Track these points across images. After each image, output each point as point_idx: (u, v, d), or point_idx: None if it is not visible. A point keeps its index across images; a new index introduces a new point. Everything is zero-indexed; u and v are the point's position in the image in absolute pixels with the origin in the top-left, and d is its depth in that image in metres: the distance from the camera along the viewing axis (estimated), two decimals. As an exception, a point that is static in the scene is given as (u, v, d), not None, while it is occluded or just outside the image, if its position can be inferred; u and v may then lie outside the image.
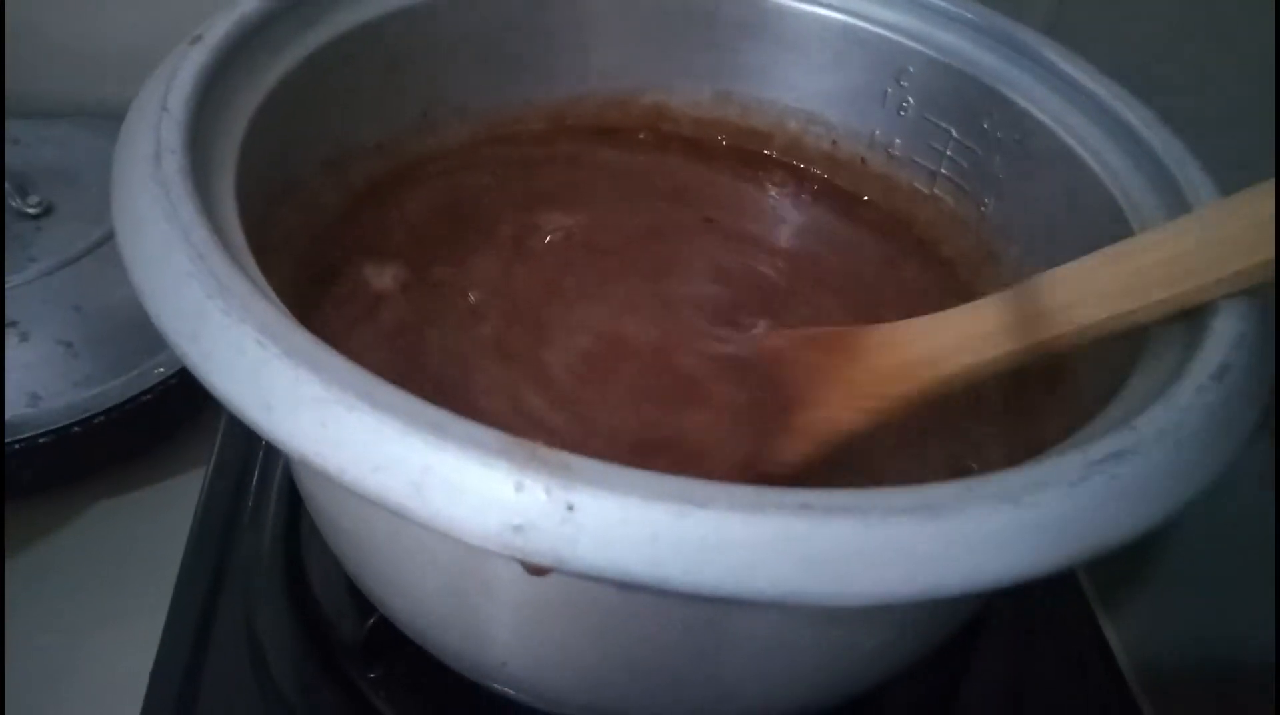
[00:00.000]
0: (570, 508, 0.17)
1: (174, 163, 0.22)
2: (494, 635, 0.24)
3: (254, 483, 0.37)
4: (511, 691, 0.27)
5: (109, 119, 0.53)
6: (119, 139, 0.24)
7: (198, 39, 0.26)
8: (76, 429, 0.42)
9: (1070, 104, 0.32)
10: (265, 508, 0.36)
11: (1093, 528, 0.19)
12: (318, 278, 0.31)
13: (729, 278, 0.34)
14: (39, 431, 0.41)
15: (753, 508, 0.17)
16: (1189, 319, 0.24)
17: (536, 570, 0.17)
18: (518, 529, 0.17)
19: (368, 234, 0.33)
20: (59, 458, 0.42)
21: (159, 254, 0.20)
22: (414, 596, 0.25)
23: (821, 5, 0.36)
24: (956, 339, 0.26)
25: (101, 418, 0.42)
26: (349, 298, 0.31)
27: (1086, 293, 0.25)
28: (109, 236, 0.46)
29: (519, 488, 0.17)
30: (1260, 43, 0.33)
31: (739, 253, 0.36)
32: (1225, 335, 0.22)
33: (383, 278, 0.32)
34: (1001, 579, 0.18)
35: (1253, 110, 0.34)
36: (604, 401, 0.29)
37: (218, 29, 0.27)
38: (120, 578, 0.43)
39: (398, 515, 0.17)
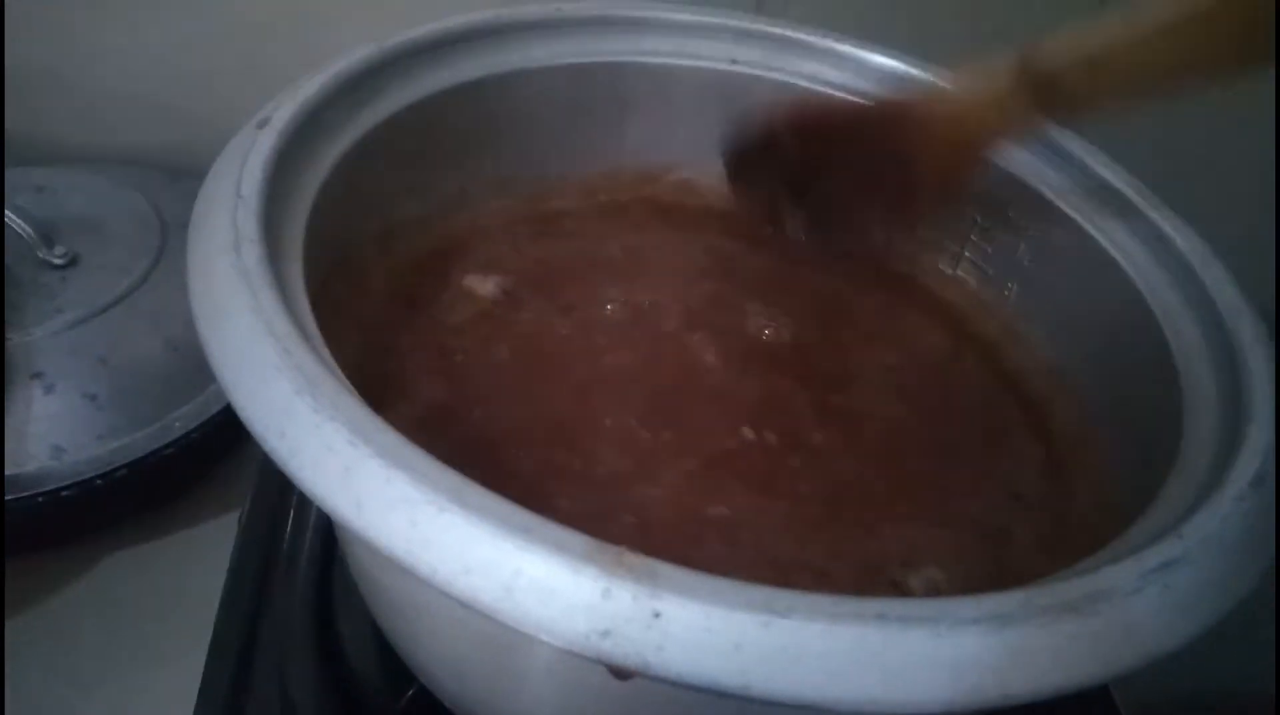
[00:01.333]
0: (656, 615, 0.18)
1: (253, 252, 0.23)
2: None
3: (285, 544, 0.37)
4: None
5: (131, 166, 0.54)
6: (193, 226, 0.24)
7: (265, 123, 0.27)
8: (99, 482, 0.42)
9: (1094, 198, 0.33)
10: (296, 570, 0.36)
11: (1150, 635, 0.19)
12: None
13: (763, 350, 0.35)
14: (62, 485, 0.41)
15: (832, 618, 0.18)
16: (1224, 429, 0.25)
17: (621, 674, 0.18)
18: (605, 634, 0.18)
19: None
20: (81, 510, 0.42)
21: (244, 347, 0.21)
22: (469, 677, 0.26)
23: (853, 94, 0.37)
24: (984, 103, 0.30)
25: (124, 471, 0.43)
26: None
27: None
28: (135, 287, 0.46)
29: (606, 594, 0.18)
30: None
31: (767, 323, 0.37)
32: (1260, 443, 0.23)
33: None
34: (1065, 686, 0.19)
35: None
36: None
37: (284, 112, 0.27)
38: (139, 631, 0.43)
39: (488, 617, 0.18)
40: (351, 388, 0.21)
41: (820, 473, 0.29)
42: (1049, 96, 0.28)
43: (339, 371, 0.22)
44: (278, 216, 0.25)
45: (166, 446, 0.44)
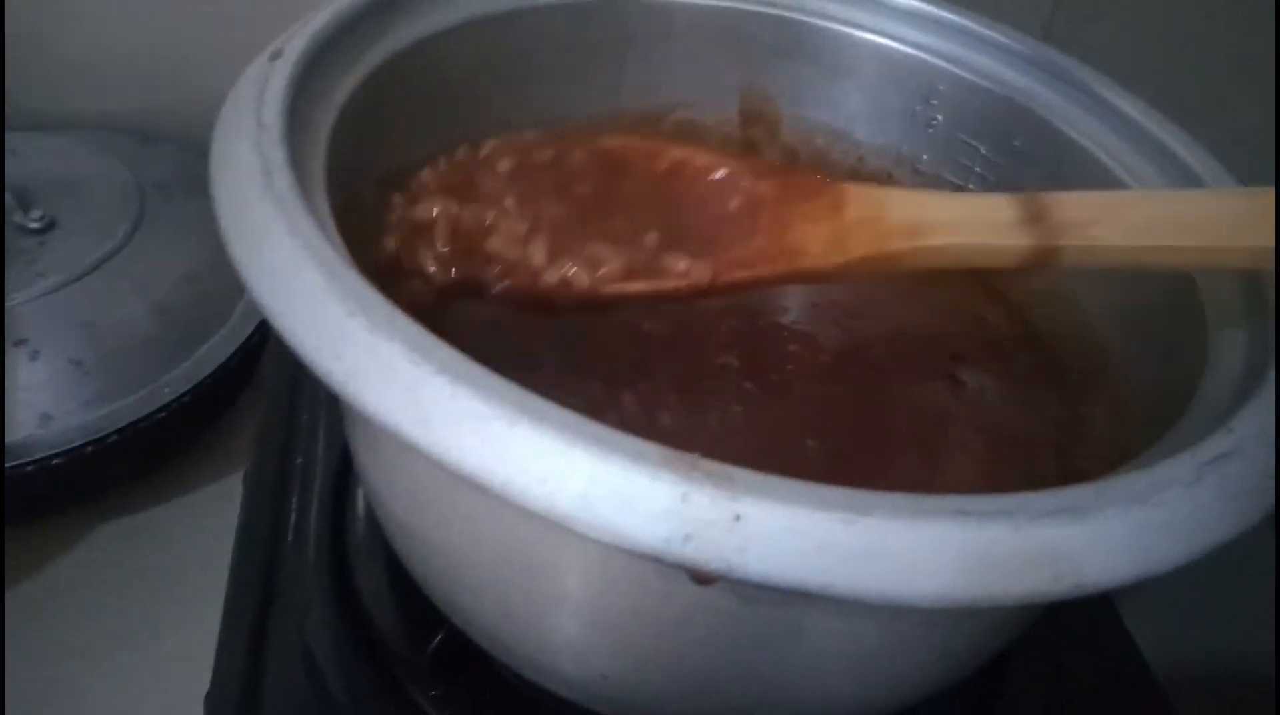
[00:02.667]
0: (737, 518, 0.18)
1: (284, 179, 0.22)
2: (600, 646, 0.24)
3: (293, 499, 0.36)
4: (600, 707, 0.27)
5: (108, 132, 0.53)
6: (215, 158, 0.24)
7: (278, 55, 0.26)
8: (90, 449, 0.41)
9: (1104, 124, 0.33)
10: (307, 524, 0.36)
11: (1209, 525, 0.20)
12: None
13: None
14: (52, 452, 0.40)
15: (913, 514, 0.18)
16: (1254, 327, 0.25)
17: (703, 578, 0.18)
18: (687, 538, 0.17)
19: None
20: (72, 478, 0.41)
21: (287, 273, 0.20)
22: (509, 608, 0.25)
23: (854, 26, 0.37)
24: (949, 217, 0.26)
25: (115, 437, 0.41)
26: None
27: (1104, 218, 0.25)
28: (117, 251, 0.45)
29: (685, 499, 0.18)
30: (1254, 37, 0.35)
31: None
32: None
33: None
34: (1136, 574, 0.19)
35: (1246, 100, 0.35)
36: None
37: (296, 44, 0.27)
38: (142, 599, 0.42)
39: (563, 526, 0.18)
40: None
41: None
42: (1043, 221, 0.26)
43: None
44: (298, 148, 0.25)
45: (158, 411, 0.43)
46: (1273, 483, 0.21)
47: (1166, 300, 0.28)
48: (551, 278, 0.28)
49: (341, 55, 0.28)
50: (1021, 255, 0.26)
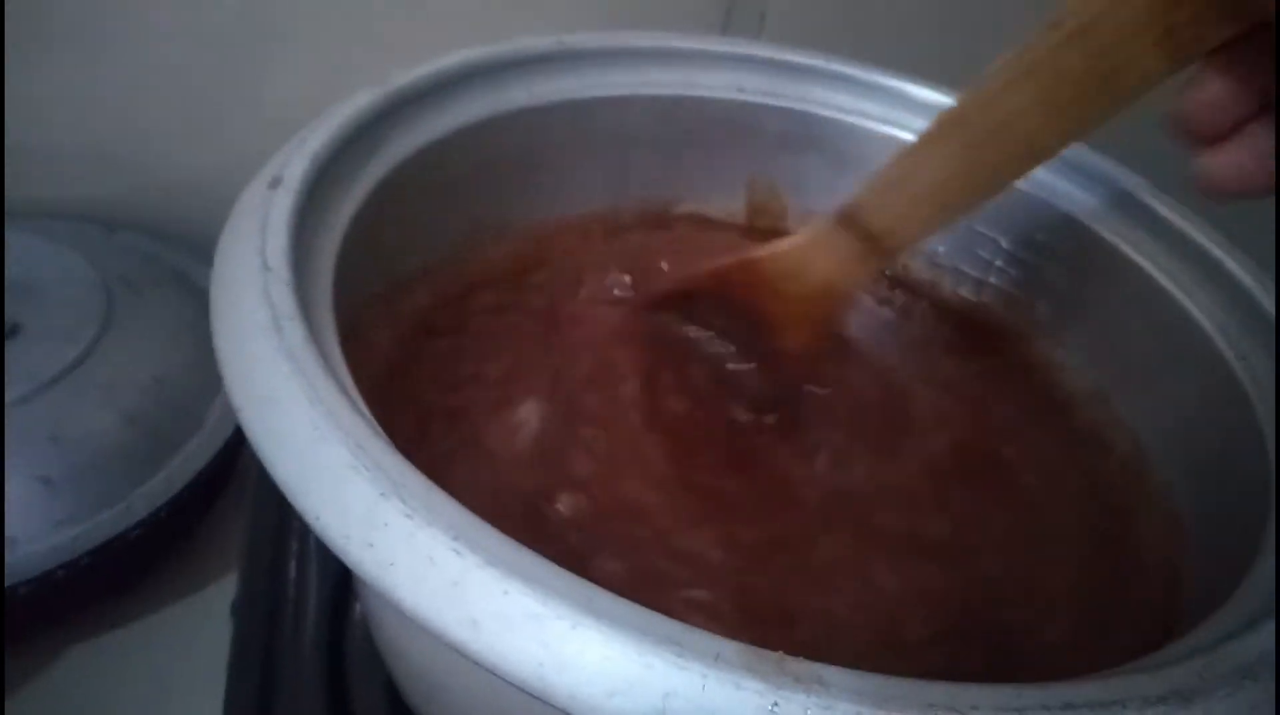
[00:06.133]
0: (833, 727, 0.16)
1: (297, 331, 0.20)
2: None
3: (288, 622, 0.34)
4: None
5: (62, 221, 0.50)
6: (216, 303, 0.22)
7: (278, 182, 0.24)
8: (61, 573, 0.38)
9: (1131, 220, 0.32)
10: (302, 646, 0.33)
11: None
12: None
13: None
14: (19, 581, 0.37)
15: (1019, 712, 0.16)
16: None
17: (795, 796, 0.16)
18: (778, 755, 0.16)
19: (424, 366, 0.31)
20: (42, 604, 0.38)
21: (308, 445, 0.18)
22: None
23: (863, 117, 0.36)
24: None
25: (87, 559, 0.39)
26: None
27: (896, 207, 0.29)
28: (84, 357, 0.42)
29: (775, 710, 0.16)
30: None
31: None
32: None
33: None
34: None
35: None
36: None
37: (295, 169, 0.25)
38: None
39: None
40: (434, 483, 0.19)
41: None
42: (873, 237, 0.29)
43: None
44: (306, 286, 0.23)
45: (132, 528, 0.40)
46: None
47: (1218, 415, 0.27)
48: None
49: (342, 175, 0.27)
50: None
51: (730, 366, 0.33)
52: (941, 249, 0.37)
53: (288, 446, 0.19)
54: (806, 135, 0.37)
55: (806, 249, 0.30)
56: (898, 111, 0.36)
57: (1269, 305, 0.28)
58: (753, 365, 0.33)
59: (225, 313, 0.21)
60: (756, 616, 0.26)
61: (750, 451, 0.31)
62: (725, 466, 0.30)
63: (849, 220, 0.29)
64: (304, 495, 0.18)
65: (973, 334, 0.36)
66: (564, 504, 0.27)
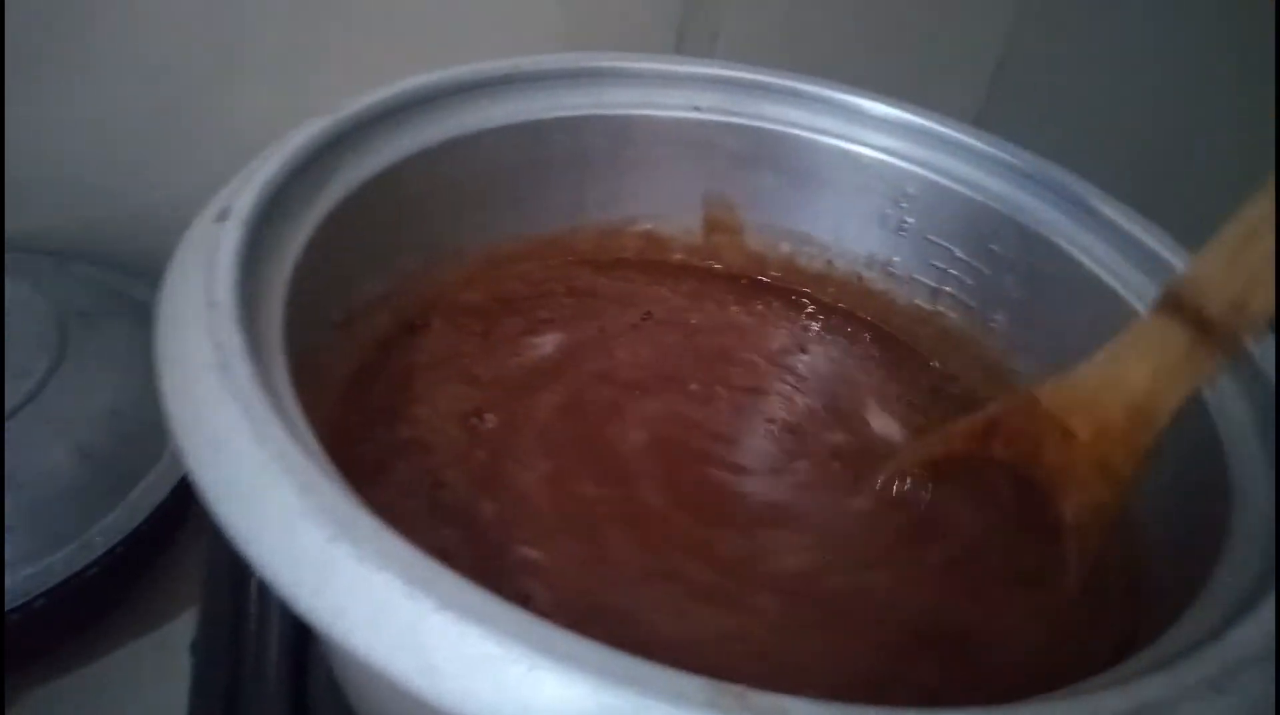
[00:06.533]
0: (797, 761, 0.16)
1: (243, 369, 0.20)
2: None
3: (249, 661, 0.33)
4: None
5: (20, 253, 0.49)
6: (158, 342, 0.21)
7: (225, 214, 0.24)
8: (15, 617, 0.37)
9: (1082, 226, 0.32)
10: (266, 687, 0.32)
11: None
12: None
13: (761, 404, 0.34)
14: (-29, 628, 0.36)
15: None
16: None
17: (761, 835, 0.16)
18: (741, 793, 0.15)
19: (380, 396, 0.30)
20: (-4, 651, 0.37)
21: (256, 489, 0.18)
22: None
23: (819, 132, 0.36)
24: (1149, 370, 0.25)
25: (42, 601, 0.38)
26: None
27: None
28: (36, 391, 0.42)
29: (737, 745, 0.15)
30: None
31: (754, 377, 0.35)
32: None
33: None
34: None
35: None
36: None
37: (244, 201, 0.24)
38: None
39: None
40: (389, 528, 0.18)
41: None
42: (1211, 322, 0.24)
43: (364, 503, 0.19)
44: (254, 321, 0.22)
45: (89, 567, 0.39)
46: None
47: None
48: None
49: (293, 204, 0.26)
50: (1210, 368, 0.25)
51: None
52: (898, 259, 0.37)
53: (234, 492, 0.18)
54: (761, 152, 0.36)
55: (1110, 362, 0.25)
56: (852, 126, 0.36)
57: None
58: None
59: (169, 352, 0.21)
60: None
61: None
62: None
63: (1173, 305, 0.24)
64: (252, 542, 0.17)
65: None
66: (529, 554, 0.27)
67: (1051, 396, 0.26)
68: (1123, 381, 0.25)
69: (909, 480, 0.29)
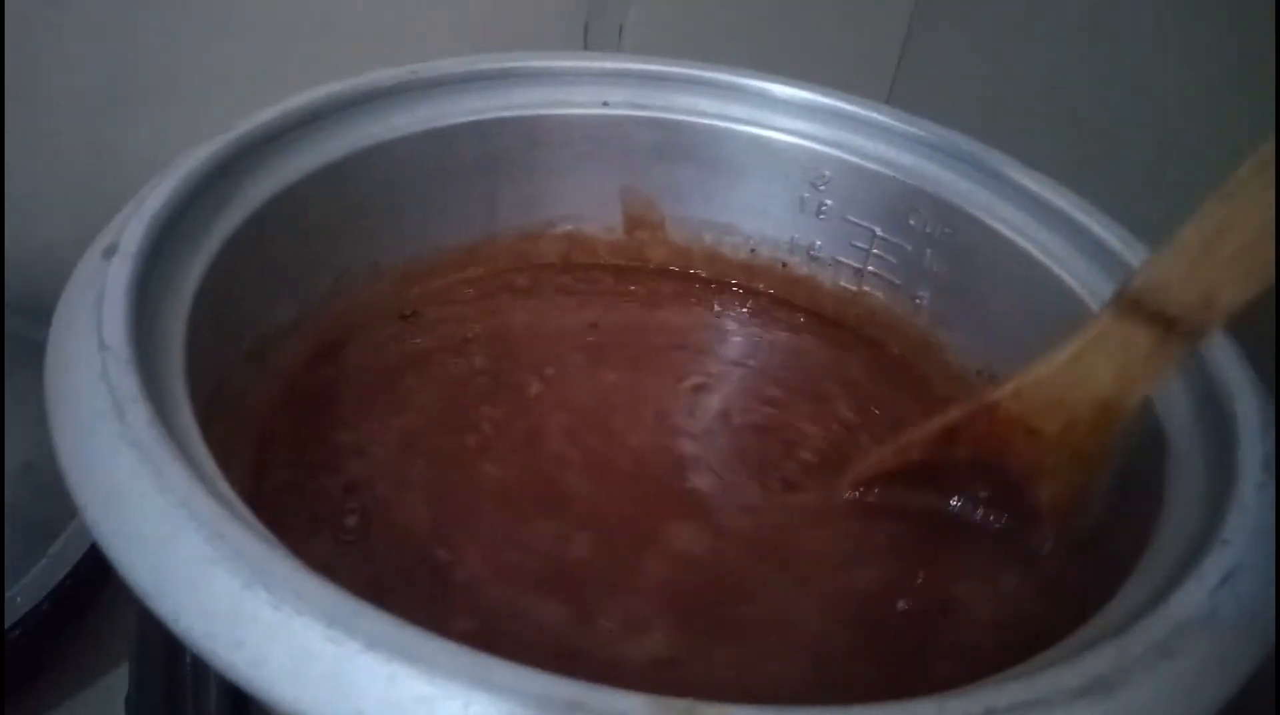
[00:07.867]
0: (749, 771, 0.15)
1: (140, 414, 0.19)
2: None
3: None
4: None
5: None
6: (49, 391, 0.20)
7: (113, 250, 0.22)
8: (-65, 689, 0.35)
9: (1000, 197, 0.32)
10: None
11: (1245, 652, 0.18)
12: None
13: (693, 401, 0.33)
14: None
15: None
16: (1206, 414, 0.24)
17: None
18: (695, 810, 0.15)
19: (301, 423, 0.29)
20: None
21: (161, 542, 0.17)
22: None
23: (730, 120, 0.36)
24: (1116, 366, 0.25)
25: (-35, 668, 0.36)
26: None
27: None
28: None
29: (688, 761, 0.15)
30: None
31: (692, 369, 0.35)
32: (1257, 423, 0.23)
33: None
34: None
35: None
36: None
37: (132, 234, 0.23)
38: None
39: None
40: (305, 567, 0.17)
41: None
42: (1173, 319, 0.24)
43: (280, 543, 0.18)
44: (150, 361, 0.21)
45: (11, 629, 0.37)
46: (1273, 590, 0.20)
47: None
48: None
49: (187, 233, 0.25)
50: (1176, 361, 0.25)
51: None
52: (819, 242, 0.37)
53: (137, 545, 0.17)
54: (675, 144, 0.36)
55: (1072, 365, 0.25)
56: (764, 112, 0.35)
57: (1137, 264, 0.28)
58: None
59: (60, 401, 0.19)
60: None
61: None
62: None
63: (1133, 306, 0.24)
64: (160, 597, 0.16)
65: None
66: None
67: (1012, 401, 0.26)
68: (1088, 381, 0.25)
69: (875, 489, 0.29)
